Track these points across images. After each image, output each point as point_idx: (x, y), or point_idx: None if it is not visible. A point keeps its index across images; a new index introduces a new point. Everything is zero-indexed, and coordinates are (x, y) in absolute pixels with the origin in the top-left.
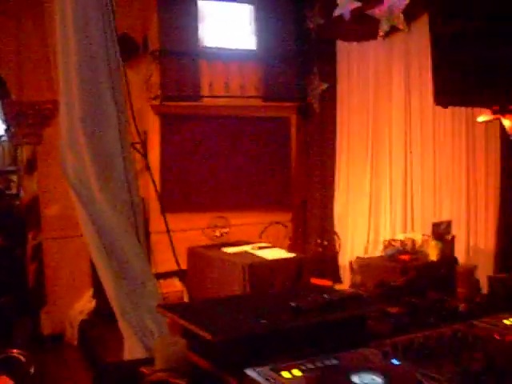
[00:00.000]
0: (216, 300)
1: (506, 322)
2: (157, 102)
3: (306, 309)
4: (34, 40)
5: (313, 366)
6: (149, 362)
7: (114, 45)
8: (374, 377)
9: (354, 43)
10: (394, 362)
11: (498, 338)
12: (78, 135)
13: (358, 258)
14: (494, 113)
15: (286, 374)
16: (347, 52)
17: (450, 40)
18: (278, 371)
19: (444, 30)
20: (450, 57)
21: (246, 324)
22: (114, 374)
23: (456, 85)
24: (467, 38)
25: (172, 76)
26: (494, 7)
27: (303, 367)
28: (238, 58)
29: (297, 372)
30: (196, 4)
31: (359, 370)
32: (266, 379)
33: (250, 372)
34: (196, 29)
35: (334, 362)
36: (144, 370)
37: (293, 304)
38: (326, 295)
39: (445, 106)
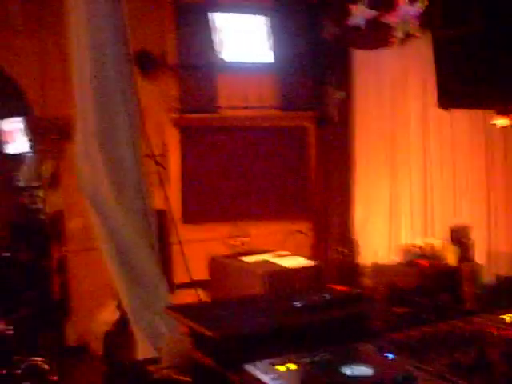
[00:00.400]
0: (222, 301)
1: (505, 317)
2: (176, 115)
3: (306, 308)
4: (55, 56)
5: (308, 360)
6: (156, 361)
7: (127, 60)
8: (365, 368)
9: (370, 52)
10: (389, 355)
11: (494, 333)
12: (93, 148)
13: (372, 263)
14: (498, 113)
15: (281, 368)
16: (363, 60)
17: (451, 44)
18: (274, 365)
19: (445, 35)
20: (452, 60)
21: (248, 322)
22: (123, 372)
23: (458, 87)
24: (468, 42)
25: (190, 89)
26: (493, 11)
27: (298, 361)
28: (255, 69)
29: (292, 366)
30: (212, 17)
31: (351, 362)
32: (263, 373)
33: (248, 367)
34: (213, 42)
35: (328, 355)
36: (151, 367)
37: (295, 303)
38: (326, 295)
39: (447, 108)
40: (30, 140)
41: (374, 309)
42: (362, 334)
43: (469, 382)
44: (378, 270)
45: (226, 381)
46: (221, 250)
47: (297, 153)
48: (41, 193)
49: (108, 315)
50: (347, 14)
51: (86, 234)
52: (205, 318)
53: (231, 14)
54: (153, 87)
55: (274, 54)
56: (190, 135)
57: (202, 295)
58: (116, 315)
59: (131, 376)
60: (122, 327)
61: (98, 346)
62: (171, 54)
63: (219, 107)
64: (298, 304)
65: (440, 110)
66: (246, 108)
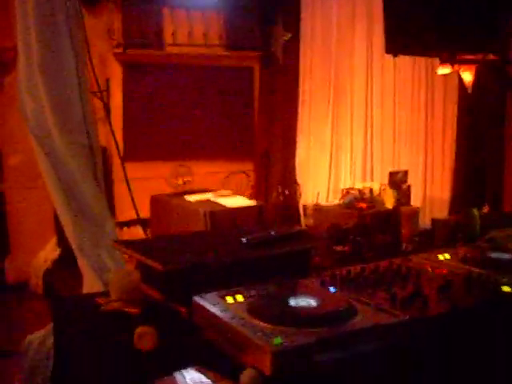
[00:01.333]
0: (171, 236)
1: (439, 256)
2: (119, 50)
3: (253, 243)
4: None
5: (255, 293)
6: (105, 294)
7: None
8: (310, 300)
9: None
10: (331, 289)
11: (429, 270)
12: (37, 81)
13: (314, 204)
14: (443, 61)
15: (229, 299)
16: (311, 3)
17: None
18: (222, 297)
19: None
20: (400, 8)
21: (196, 256)
22: (71, 305)
23: (405, 34)
24: None
25: (135, 24)
26: None
27: (246, 294)
28: (201, 6)
29: (240, 297)
30: None
31: (296, 294)
32: (211, 304)
33: (196, 298)
34: None
35: (275, 288)
36: (99, 300)
37: (242, 239)
38: (272, 231)
39: (394, 55)
40: None
41: (317, 246)
42: (306, 269)
43: (405, 312)
44: (319, 211)
45: (174, 312)
46: (163, 188)
47: (242, 93)
48: None
49: (48, 252)
50: None
51: (27, 171)
52: (152, 252)
53: None
54: (96, 21)
55: None
56: (133, 71)
57: (143, 234)
58: (56, 253)
59: (80, 308)
60: (62, 264)
61: (38, 284)
62: None
63: (164, 43)
64: (244, 239)
65: (384, 56)
66: (191, 45)
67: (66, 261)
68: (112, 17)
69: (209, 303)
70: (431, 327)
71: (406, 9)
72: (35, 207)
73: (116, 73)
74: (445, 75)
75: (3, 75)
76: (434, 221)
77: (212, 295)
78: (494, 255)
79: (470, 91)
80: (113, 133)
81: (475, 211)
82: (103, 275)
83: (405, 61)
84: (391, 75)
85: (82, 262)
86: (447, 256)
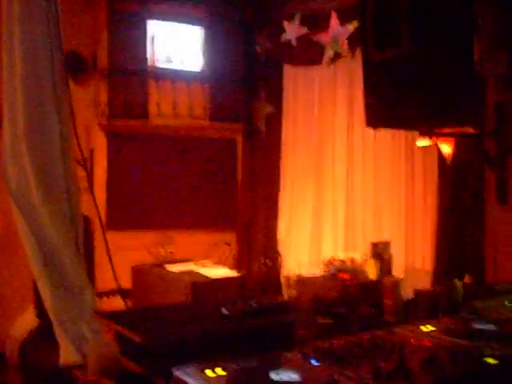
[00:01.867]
0: (151, 308)
1: (423, 328)
2: (104, 120)
3: (234, 315)
4: None
5: (236, 366)
6: (82, 366)
7: (59, 61)
8: (292, 374)
9: (300, 68)
10: (313, 362)
11: (413, 342)
12: (21, 148)
13: (296, 275)
14: (422, 134)
15: (209, 373)
16: (293, 76)
17: (379, 66)
18: (202, 370)
19: (373, 58)
20: (379, 81)
21: (176, 328)
22: (47, 378)
23: (384, 108)
24: (394, 64)
25: (120, 94)
26: (418, 34)
27: (226, 367)
28: (186, 78)
29: (220, 371)
30: (146, 24)
31: (278, 368)
32: (191, 377)
33: (176, 371)
34: (145, 48)
35: (256, 362)
36: (77, 372)
37: (223, 311)
38: (253, 303)
39: (374, 128)
40: None
41: (299, 318)
42: (288, 342)
43: None
44: (302, 281)
45: None
46: (145, 258)
47: (225, 164)
48: None
49: (26, 322)
50: (280, 30)
51: (6, 236)
52: (132, 324)
53: (166, 22)
54: (82, 91)
55: (207, 65)
56: (117, 141)
57: (124, 304)
58: (34, 322)
59: (56, 381)
60: (40, 335)
61: (14, 354)
62: (102, 58)
63: (149, 114)
64: (225, 311)
65: (365, 128)
66: (175, 117)
67: (44, 331)
68: (98, 87)
69: (188, 376)
70: None
71: (384, 83)
72: (14, 274)
73: (101, 142)
74: (424, 147)
75: None
76: (416, 292)
77: (192, 368)
78: (477, 326)
79: (449, 163)
80: (95, 202)
81: (457, 282)
82: (81, 345)
83: (385, 132)
84: (371, 146)
85: (59, 332)
86: (430, 327)
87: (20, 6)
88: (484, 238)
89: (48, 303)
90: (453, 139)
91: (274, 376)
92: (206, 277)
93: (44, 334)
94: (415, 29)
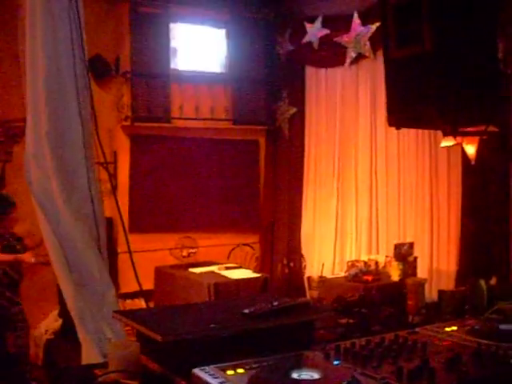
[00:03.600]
0: (172, 307)
1: (447, 329)
2: (127, 123)
3: (255, 314)
4: (4, 58)
5: (256, 366)
6: (103, 366)
7: (82, 63)
8: (312, 373)
9: (323, 69)
10: (335, 362)
11: (436, 342)
12: (44, 148)
13: (318, 276)
14: (445, 134)
15: (230, 372)
16: (316, 77)
17: (401, 64)
18: (223, 370)
19: (395, 55)
20: (401, 81)
21: (197, 327)
22: (69, 376)
23: (406, 107)
24: (417, 63)
25: (143, 97)
26: (442, 32)
27: (247, 366)
28: (209, 81)
29: (241, 370)
30: (168, 27)
31: (299, 367)
32: (211, 376)
33: (196, 371)
34: (168, 51)
35: (277, 361)
36: (97, 371)
37: (244, 310)
38: (275, 302)
39: (397, 128)
40: None
41: (321, 318)
42: (309, 342)
43: None
44: (324, 283)
45: None
46: (167, 260)
47: (248, 166)
48: None
49: (50, 323)
50: (302, 32)
51: (32, 238)
52: (153, 323)
53: (188, 24)
54: (105, 93)
55: (229, 67)
56: (140, 144)
57: (146, 305)
58: (57, 323)
59: (77, 380)
60: (63, 335)
61: (38, 354)
62: (125, 62)
63: (171, 117)
64: (246, 310)
65: (388, 129)
66: (198, 119)
67: (68, 332)
68: (121, 90)
69: (209, 376)
70: None
71: (406, 82)
72: (39, 277)
73: (123, 145)
74: (448, 147)
75: (13, 145)
76: (440, 293)
77: (213, 368)
78: (503, 327)
79: (473, 163)
80: (117, 204)
81: (482, 283)
82: (102, 346)
83: (408, 132)
84: (395, 146)
85: (81, 332)
86: (454, 328)
87: (43, 9)
88: (509, 239)
89: (70, 303)
90: (477, 139)
91: (294, 374)
92: (228, 278)
93: (67, 334)
94: (437, 26)
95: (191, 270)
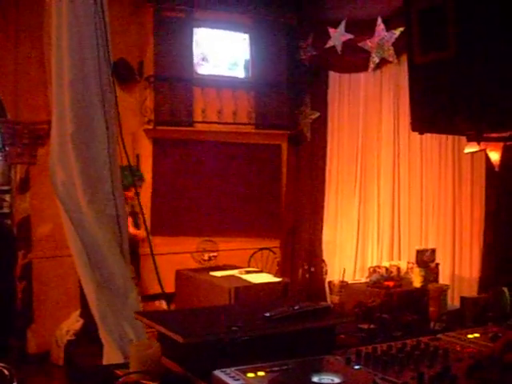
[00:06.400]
0: (193, 309)
1: (469, 336)
2: (150, 126)
3: (276, 318)
4: (31, 61)
5: (277, 369)
6: (125, 366)
7: (107, 66)
8: (333, 378)
9: (346, 74)
10: (356, 367)
11: (458, 349)
12: (68, 150)
13: (340, 281)
14: (469, 139)
15: (251, 375)
16: (338, 82)
17: (425, 69)
18: (244, 372)
19: (420, 61)
20: (425, 85)
21: (218, 329)
22: (90, 376)
23: (430, 112)
24: (441, 68)
25: (166, 101)
26: (466, 37)
27: (268, 369)
28: (232, 85)
29: (262, 373)
30: (192, 31)
31: (320, 371)
32: (232, 379)
33: (217, 373)
34: (191, 56)
35: (298, 365)
36: (118, 372)
37: (266, 313)
38: (297, 307)
39: (421, 133)
40: (1, 143)
41: (342, 323)
42: (330, 347)
43: None
44: (345, 288)
45: None
46: (189, 263)
47: (269, 170)
48: (8, 197)
49: (71, 323)
50: (325, 36)
51: (53, 240)
52: (174, 324)
53: (211, 29)
54: (128, 97)
55: (252, 72)
56: (162, 147)
57: (167, 308)
58: (79, 324)
59: (98, 380)
60: (84, 335)
61: (59, 354)
62: (149, 66)
63: (194, 121)
64: (268, 314)
65: (410, 135)
66: (220, 123)
67: (89, 332)
68: (144, 94)
69: (230, 378)
70: None
71: (430, 87)
72: (62, 277)
73: (146, 148)
74: (471, 153)
75: (37, 147)
76: (462, 299)
77: (233, 370)
78: None
79: (497, 169)
80: (140, 207)
81: (505, 290)
82: (124, 346)
83: (432, 137)
84: (418, 152)
85: (103, 332)
86: (477, 335)
87: (68, 13)
88: None
89: (92, 304)
90: (501, 145)
91: (315, 378)
92: (249, 282)
93: (88, 335)
94: (463, 31)
95: (212, 273)
